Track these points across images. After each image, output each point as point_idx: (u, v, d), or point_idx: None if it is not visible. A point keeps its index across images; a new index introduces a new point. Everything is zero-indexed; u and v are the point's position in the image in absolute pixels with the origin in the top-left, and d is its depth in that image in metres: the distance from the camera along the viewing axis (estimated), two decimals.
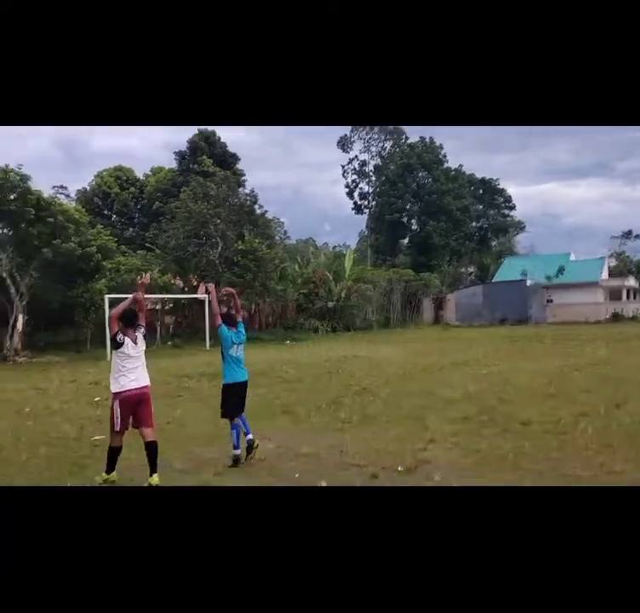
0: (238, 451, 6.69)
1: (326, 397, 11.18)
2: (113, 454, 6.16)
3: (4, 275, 23.29)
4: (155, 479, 5.93)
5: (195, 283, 33.32)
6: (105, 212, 40.99)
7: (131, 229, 39.89)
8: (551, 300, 43.69)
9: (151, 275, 6.17)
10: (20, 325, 23.77)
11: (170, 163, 41.42)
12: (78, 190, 41.61)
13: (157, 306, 29.91)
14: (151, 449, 6.05)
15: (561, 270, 44.29)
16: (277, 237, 43.54)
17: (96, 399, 12.06)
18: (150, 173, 42.21)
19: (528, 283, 43.54)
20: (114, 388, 6.06)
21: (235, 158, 40.63)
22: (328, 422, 8.92)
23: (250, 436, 6.83)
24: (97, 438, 8.27)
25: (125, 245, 34.49)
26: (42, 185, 47.00)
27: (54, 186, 41.11)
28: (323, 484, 5.79)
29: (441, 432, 7.93)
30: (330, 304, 35.68)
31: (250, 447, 6.80)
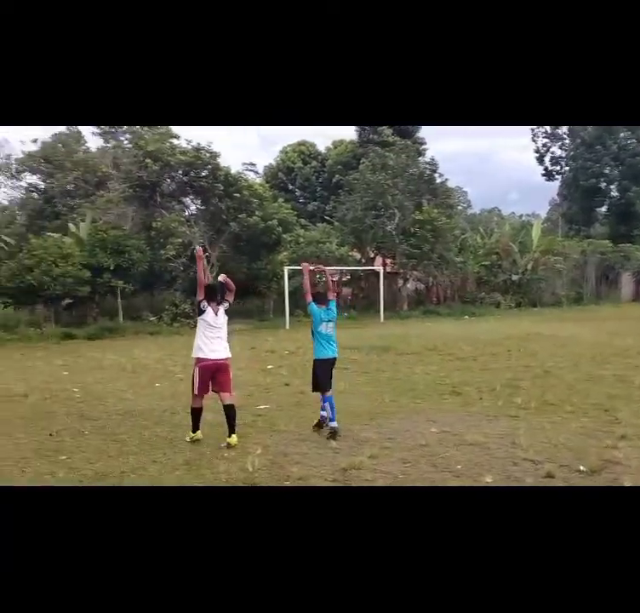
0: (335, 423, 6.74)
1: (502, 378, 10.28)
2: (195, 414, 6.63)
3: (197, 247, 25.06)
4: (233, 440, 6.37)
5: (372, 255, 33.28)
6: (290, 187, 42.39)
7: (313, 203, 40.80)
8: None
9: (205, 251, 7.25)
10: None
11: (351, 134, 41.53)
12: (265, 166, 43.53)
13: (334, 278, 30.32)
14: (229, 411, 6.51)
15: None
16: (459, 207, 41.87)
17: (269, 367, 12.36)
18: (331, 146, 42.71)
19: None
20: (195, 354, 6.56)
21: (416, 127, 39.54)
22: (501, 407, 8.11)
23: (333, 420, 6.80)
24: (261, 407, 8.34)
25: (307, 219, 35.45)
26: (235, 162, 50.34)
27: (244, 163, 43.42)
28: (488, 480, 5.15)
29: (635, 428, 6.78)
30: (514, 277, 33.50)
31: (320, 424, 6.93)
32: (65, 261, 21.53)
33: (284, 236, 25.99)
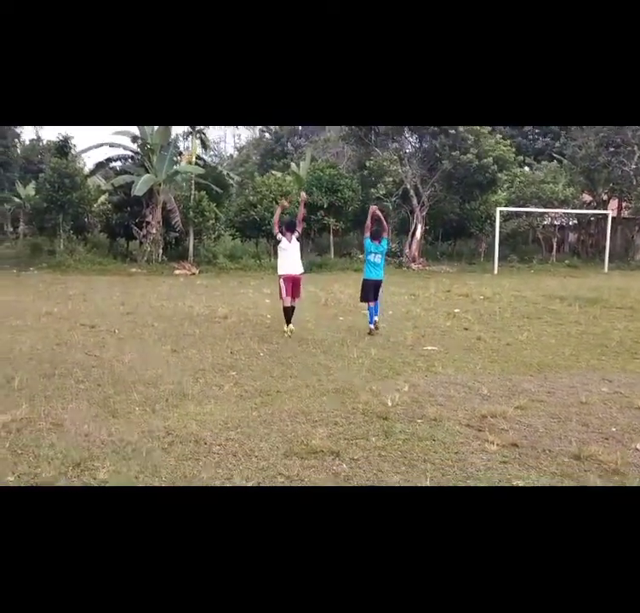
0: (372, 326, 9.31)
1: None
2: (287, 311, 9.12)
3: (409, 186, 24.95)
4: (291, 328, 9.01)
5: (605, 198, 30.01)
6: None
7: (542, 139, 37.69)
8: None
9: (306, 197, 10.28)
10: (418, 234, 25.43)
11: None
12: None
13: (556, 222, 28.08)
14: (292, 309, 9.14)
15: None
16: None
17: (455, 311, 12.14)
18: None
19: None
20: (279, 271, 9.32)
21: None
22: None
23: (376, 318, 9.34)
24: (429, 348, 8.32)
25: (533, 156, 32.98)
26: None
27: None
28: (638, 446, 4.63)
29: None
30: None
31: (370, 330, 9.28)
32: (285, 199, 22.97)
33: (500, 175, 24.58)
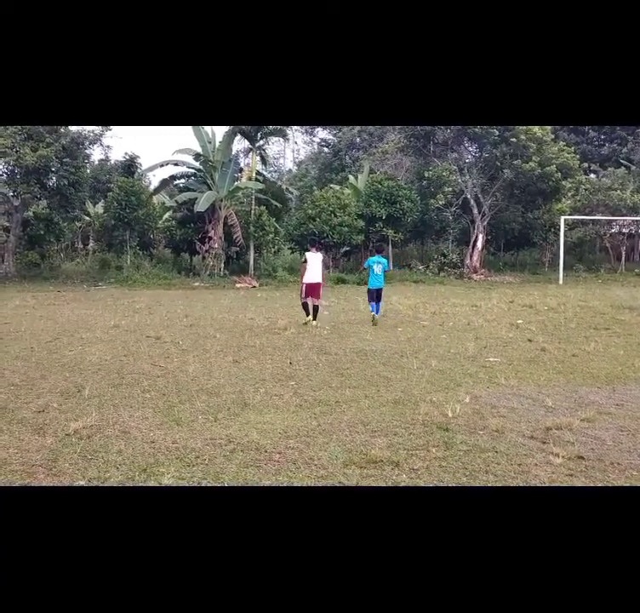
0: (376, 315, 11.59)
1: None
2: (304, 306, 11.47)
3: (469, 196, 24.65)
4: (314, 322, 11.18)
5: None
6: (585, 128, 38.50)
7: (608, 145, 36.56)
8: None
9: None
10: (479, 244, 25.05)
11: None
12: None
13: (625, 230, 27.08)
14: (316, 309, 11.35)
15: None
16: None
17: (518, 322, 11.88)
18: None
19: None
20: (303, 279, 11.40)
21: None
22: None
23: (377, 315, 11.60)
24: (491, 359, 8.17)
25: (598, 163, 32.06)
26: None
27: None
28: None
29: None
30: None
31: (373, 319, 11.51)
32: (343, 211, 23.14)
33: (563, 183, 23.96)
